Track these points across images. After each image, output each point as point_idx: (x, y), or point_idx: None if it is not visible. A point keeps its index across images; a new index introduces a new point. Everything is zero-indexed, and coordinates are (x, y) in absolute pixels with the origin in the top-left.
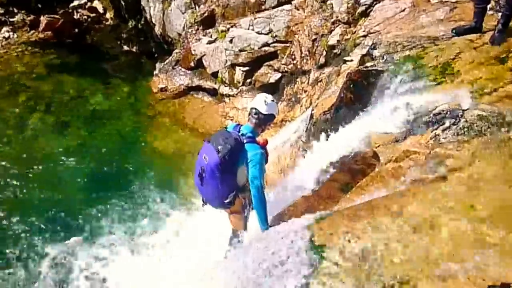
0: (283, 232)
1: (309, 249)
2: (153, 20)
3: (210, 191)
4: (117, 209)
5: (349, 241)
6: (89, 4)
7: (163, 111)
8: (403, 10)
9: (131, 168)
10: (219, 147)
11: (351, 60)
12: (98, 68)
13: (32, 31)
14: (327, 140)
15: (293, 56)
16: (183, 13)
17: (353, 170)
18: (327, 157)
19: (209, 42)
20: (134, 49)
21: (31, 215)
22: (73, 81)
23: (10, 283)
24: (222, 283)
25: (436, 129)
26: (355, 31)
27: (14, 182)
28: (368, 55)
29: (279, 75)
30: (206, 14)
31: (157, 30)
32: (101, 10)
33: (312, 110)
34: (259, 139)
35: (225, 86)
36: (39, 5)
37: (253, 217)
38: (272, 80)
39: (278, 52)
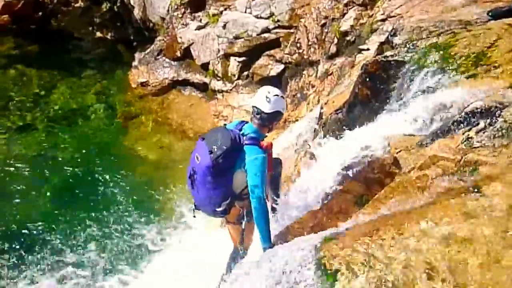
0: (287, 256)
1: (317, 277)
2: (132, 2)
3: (201, 196)
4: (83, 237)
5: (369, 266)
6: None
7: (144, 110)
8: None
9: (103, 181)
10: (213, 147)
11: (367, 49)
12: (66, 59)
13: None
14: (338, 144)
15: (298, 45)
16: None
17: (369, 180)
18: (339, 164)
19: (198, 28)
20: (108, 36)
21: None
22: (36, 74)
23: None
24: None
25: (468, 130)
26: (372, 15)
27: None
28: (387, 43)
29: (282, 67)
30: None
31: (136, 13)
32: None
33: (321, 108)
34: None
35: (218, 80)
36: None
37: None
38: (273, 73)
39: (281, 39)
